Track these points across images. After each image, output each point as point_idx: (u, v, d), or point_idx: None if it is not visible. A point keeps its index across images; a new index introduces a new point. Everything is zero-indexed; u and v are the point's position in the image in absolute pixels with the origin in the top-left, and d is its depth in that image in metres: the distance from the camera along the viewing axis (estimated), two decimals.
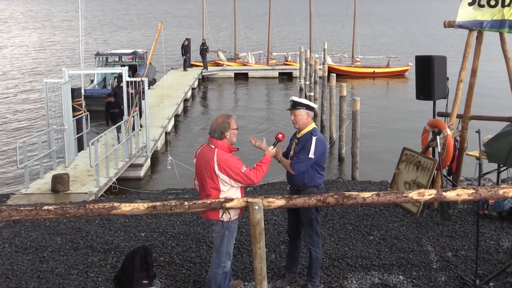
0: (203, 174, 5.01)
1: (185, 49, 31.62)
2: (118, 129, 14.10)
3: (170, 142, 16.61)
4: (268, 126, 20.95)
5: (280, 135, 5.38)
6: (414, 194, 4.60)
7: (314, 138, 5.29)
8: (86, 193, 11.14)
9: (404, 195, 4.60)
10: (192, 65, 32.75)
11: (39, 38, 55.84)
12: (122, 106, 14.83)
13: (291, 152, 5.48)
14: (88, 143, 13.42)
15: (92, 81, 24.65)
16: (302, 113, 5.40)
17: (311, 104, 5.49)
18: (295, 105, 5.42)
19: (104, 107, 15.62)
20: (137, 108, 14.81)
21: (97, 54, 26.21)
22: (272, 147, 5.31)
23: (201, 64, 32.93)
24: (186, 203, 4.59)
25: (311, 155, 5.25)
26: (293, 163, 5.31)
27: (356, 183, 10.57)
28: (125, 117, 14.12)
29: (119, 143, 13.74)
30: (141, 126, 15.26)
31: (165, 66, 28.99)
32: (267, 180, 10.41)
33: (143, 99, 14.87)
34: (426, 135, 8.26)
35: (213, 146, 4.99)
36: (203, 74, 32.20)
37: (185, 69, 31.71)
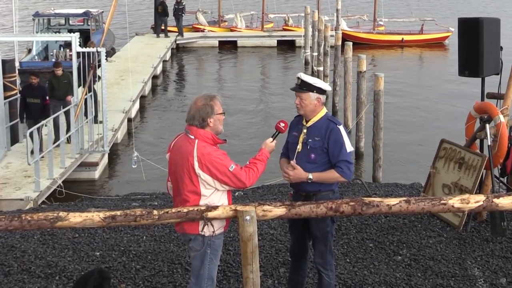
0: (179, 174, 5.00)
1: (164, 8, 31.54)
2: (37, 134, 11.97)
3: (134, 132, 16.60)
4: (263, 110, 20.94)
5: (282, 124, 5.36)
6: (455, 201, 4.61)
7: (340, 128, 5.34)
8: (22, 199, 11.14)
9: (442, 202, 4.62)
10: (162, 31, 32.67)
11: None
12: (47, 97, 13.44)
13: (298, 146, 5.43)
14: (25, 133, 13.33)
15: (29, 50, 24.55)
16: (311, 98, 5.35)
17: (325, 86, 5.44)
18: (303, 86, 5.37)
19: (20, 94, 13.80)
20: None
21: (36, 15, 26.07)
22: (271, 139, 5.29)
23: (175, 29, 32.84)
24: (155, 212, 4.58)
25: (349, 148, 5.33)
26: (343, 171, 5.26)
27: (379, 186, 10.60)
28: (75, 99, 14.02)
29: (42, 156, 12.20)
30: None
31: (129, 33, 28.88)
32: (262, 182, 10.42)
33: (98, 79, 14.75)
34: (472, 123, 8.27)
35: (192, 137, 4.98)
36: (177, 42, 32.15)
37: (158, 35, 31.74)
